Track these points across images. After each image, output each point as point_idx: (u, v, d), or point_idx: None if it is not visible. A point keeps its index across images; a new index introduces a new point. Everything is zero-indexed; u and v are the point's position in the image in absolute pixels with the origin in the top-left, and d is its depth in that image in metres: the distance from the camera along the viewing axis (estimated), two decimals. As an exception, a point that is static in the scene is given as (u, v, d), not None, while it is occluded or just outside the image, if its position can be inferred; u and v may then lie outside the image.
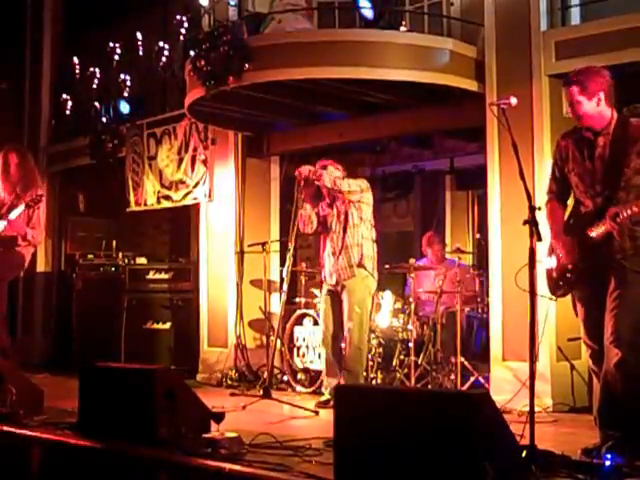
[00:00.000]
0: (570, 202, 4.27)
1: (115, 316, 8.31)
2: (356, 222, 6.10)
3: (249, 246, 7.90)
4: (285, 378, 7.20)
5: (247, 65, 6.30)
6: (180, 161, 8.44)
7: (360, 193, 6.09)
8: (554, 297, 4.35)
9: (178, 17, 8.32)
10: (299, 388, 6.96)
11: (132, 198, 8.91)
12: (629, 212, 3.82)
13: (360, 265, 6.03)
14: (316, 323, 6.85)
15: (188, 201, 8.39)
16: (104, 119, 9.08)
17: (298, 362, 7.12)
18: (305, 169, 6.03)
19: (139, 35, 8.78)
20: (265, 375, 6.66)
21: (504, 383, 5.92)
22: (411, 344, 6.55)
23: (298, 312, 7.24)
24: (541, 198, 4.49)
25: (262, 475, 3.61)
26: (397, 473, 3.20)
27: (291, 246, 6.09)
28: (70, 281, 9.25)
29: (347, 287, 6.02)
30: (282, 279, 6.41)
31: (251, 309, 7.94)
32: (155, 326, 8.31)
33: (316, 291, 7.00)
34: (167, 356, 8.13)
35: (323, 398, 6.01)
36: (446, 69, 6.25)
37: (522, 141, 4.94)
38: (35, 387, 5.55)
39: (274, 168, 8.34)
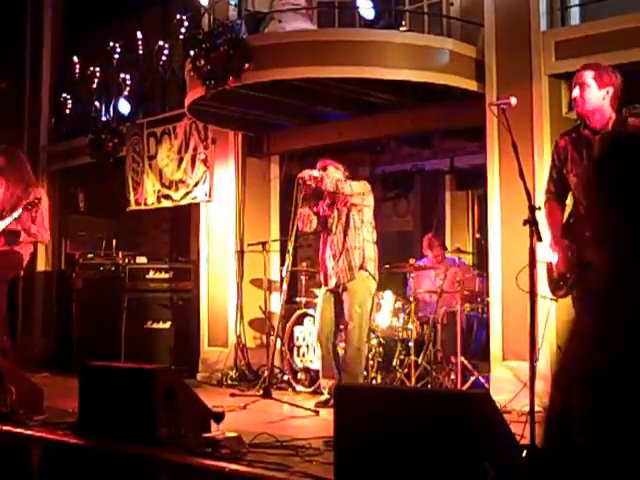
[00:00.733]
0: (569, 202, 4.28)
1: (115, 315, 8.31)
2: (357, 225, 6.10)
3: (249, 246, 7.90)
4: (285, 378, 7.20)
5: (247, 65, 6.30)
6: (180, 160, 8.44)
7: (362, 196, 6.08)
8: (555, 297, 4.35)
9: (178, 16, 8.34)
10: (299, 388, 6.97)
11: (132, 197, 8.91)
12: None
13: (362, 268, 6.03)
14: (317, 322, 6.85)
15: (188, 200, 8.39)
16: (104, 118, 9.09)
17: (298, 362, 7.12)
18: (306, 174, 6.01)
19: (139, 34, 8.79)
20: (265, 375, 6.66)
21: (504, 383, 5.93)
22: (411, 344, 6.55)
23: (298, 312, 7.25)
24: (541, 198, 4.49)
25: (262, 475, 3.62)
26: (397, 472, 3.20)
27: (291, 245, 6.09)
28: (70, 280, 9.25)
29: (348, 288, 6.02)
30: (282, 278, 6.41)
31: (251, 309, 7.94)
32: (155, 325, 8.31)
33: (316, 291, 6.99)
34: (167, 356, 8.13)
35: (322, 398, 6.01)
36: (446, 69, 6.26)
37: (522, 141, 4.95)
38: (35, 387, 5.54)
39: (274, 168, 8.34)
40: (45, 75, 10.46)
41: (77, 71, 9.55)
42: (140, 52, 8.86)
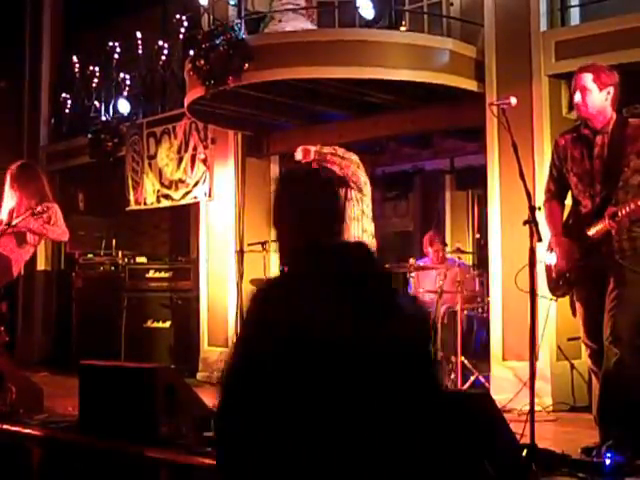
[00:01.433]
0: (568, 202, 4.28)
1: (115, 315, 8.31)
2: (358, 215, 6.06)
3: (249, 245, 7.90)
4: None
5: (247, 65, 6.29)
6: (180, 160, 8.44)
7: (354, 166, 5.90)
8: (554, 297, 4.36)
9: (177, 16, 8.34)
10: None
11: (132, 197, 8.91)
12: (627, 210, 3.82)
13: None
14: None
15: (188, 200, 8.40)
16: (104, 118, 9.09)
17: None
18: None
19: (138, 34, 8.78)
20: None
21: (504, 382, 5.93)
22: (411, 343, 6.54)
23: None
24: (541, 198, 4.49)
25: (263, 474, 3.62)
26: (397, 472, 3.20)
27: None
28: (70, 280, 9.25)
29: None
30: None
31: (251, 308, 7.93)
32: (155, 325, 8.32)
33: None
34: (167, 355, 8.13)
35: None
36: (446, 69, 6.26)
37: (522, 141, 4.94)
38: (35, 386, 5.55)
39: (274, 168, 8.34)
40: (45, 75, 10.46)
41: (77, 71, 9.55)
42: (140, 52, 8.85)
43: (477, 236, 8.91)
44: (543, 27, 6.06)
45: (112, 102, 9.01)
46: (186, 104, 7.13)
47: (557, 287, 4.20)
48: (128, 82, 8.91)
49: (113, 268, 8.63)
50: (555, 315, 5.65)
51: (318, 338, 1.95)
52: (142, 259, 8.67)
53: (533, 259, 3.79)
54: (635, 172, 3.93)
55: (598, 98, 3.98)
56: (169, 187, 8.56)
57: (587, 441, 4.03)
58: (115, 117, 9.01)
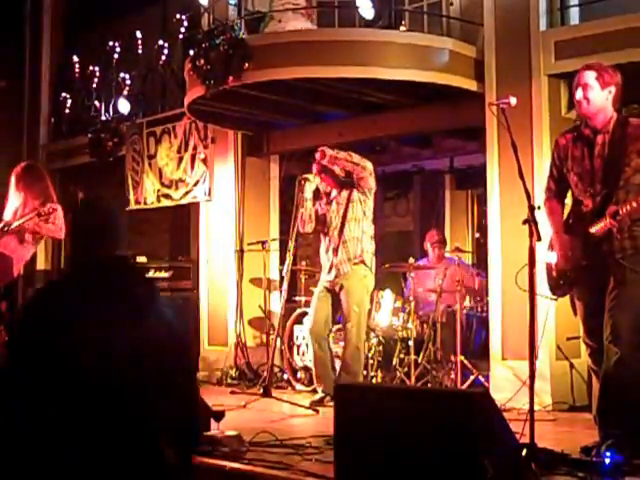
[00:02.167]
0: (568, 201, 4.28)
1: (115, 315, 8.30)
2: (359, 216, 6.08)
3: (249, 245, 7.91)
4: (285, 376, 7.21)
5: (247, 64, 6.30)
6: (180, 160, 8.45)
7: (366, 173, 6.01)
8: (554, 297, 4.36)
9: (178, 16, 8.34)
10: (299, 386, 6.98)
11: (132, 197, 8.92)
12: (628, 208, 3.83)
13: (360, 260, 6.02)
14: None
15: (188, 200, 8.40)
16: (104, 118, 9.09)
17: (298, 360, 7.13)
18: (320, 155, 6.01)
19: (139, 34, 8.79)
20: (265, 374, 6.66)
21: (504, 382, 5.94)
22: (411, 343, 6.55)
23: (298, 311, 7.25)
24: (540, 197, 4.50)
25: (262, 473, 3.63)
26: (397, 471, 3.21)
27: (291, 245, 6.09)
28: (70, 280, 9.23)
29: (345, 287, 6.01)
30: (282, 278, 6.41)
31: (251, 308, 7.95)
32: (155, 325, 8.30)
33: (314, 288, 7.00)
34: (167, 355, 8.12)
35: (316, 397, 6.00)
36: (445, 69, 6.26)
37: (521, 141, 4.96)
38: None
39: (274, 167, 8.35)
40: (45, 74, 10.47)
41: (77, 70, 9.55)
42: (140, 52, 8.86)
43: (477, 235, 8.92)
44: (543, 27, 6.06)
45: (112, 102, 9.02)
46: (186, 104, 7.14)
47: (557, 286, 4.20)
48: (128, 82, 8.92)
49: (113, 268, 8.61)
50: (555, 314, 5.65)
51: (76, 332, 2.33)
52: (142, 259, 8.67)
53: (533, 258, 3.80)
54: (636, 171, 3.93)
55: (599, 96, 3.98)
56: (169, 187, 8.57)
57: (586, 440, 4.04)
58: (115, 117, 9.01)
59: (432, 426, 3.14)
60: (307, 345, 7.04)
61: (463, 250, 7.41)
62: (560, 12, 6.17)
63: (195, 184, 8.28)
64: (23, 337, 2.41)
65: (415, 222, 9.70)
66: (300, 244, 8.63)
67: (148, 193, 8.76)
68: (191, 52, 6.73)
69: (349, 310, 5.96)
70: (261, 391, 5.99)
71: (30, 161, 7.01)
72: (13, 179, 6.33)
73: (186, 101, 7.10)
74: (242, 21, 6.70)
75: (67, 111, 9.72)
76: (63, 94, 9.75)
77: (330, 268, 6.10)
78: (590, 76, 4.00)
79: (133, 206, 8.93)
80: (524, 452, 3.45)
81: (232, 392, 6.46)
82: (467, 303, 6.86)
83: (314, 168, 6.16)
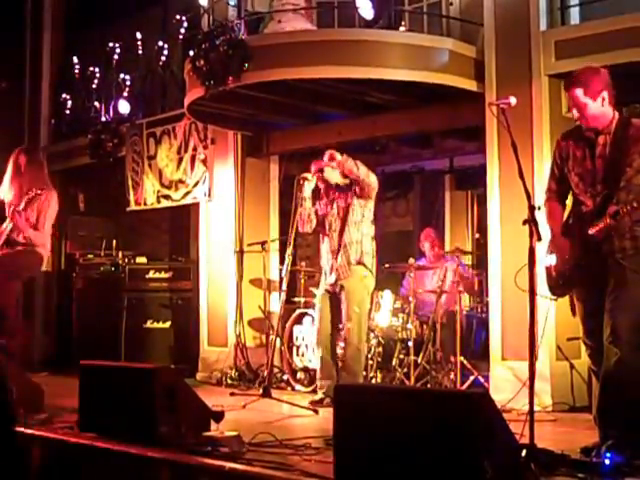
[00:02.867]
0: (569, 202, 4.28)
1: (115, 315, 8.31)
2: (357, 219, 6.09)
3: (249, 245, 7.91)
4: (285, 377, 7.21)
5: (246, 65, 6.30)
6: (180, 161, 8.45)
7: (371, 188, 6.05)
8: (554, 297, 4.36)
9: (178, 17, 8.33)
10: (298, 387, 6.97)
11: (132, 197, 8.92)
12: (629, 208, 3.82)
13: (359, 262, 6.02)
14: (316, 322, 6.85)
15: (188, 200, 8.40)
16: (104, 119, 9.09)
17: (297, 361, 7.13)
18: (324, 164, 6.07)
19: (139, 35, 8.79)
20: (265, 374, 6.66)
21: (504, 382, 5.93)
22: (411, 343, 6.55)
23: (298, 311, 7.25)
24: (541, 198, 4.49)
25: (262, 474, 3.62)
26: (397, 472, 3.21)
27: (290, 245, 6.09)
28: (70, 280, 9.26)
29: (346, 287, 6.01)
30: (281, 278, 6.41)
31: (251, 308, 7.94)
32: (155, 325, 8.32)
33: (315, 290, 7.00)
34: (167, 355, 8.14)
35: (317, 397, 5.99)
36: (445, 69, 6.26)
37: (521, 141, 4.95)
38: (35, 386, 5.55)
39: (273, 168, 8.35)
40: (45, 75, 10.47)
41: (77, 71, 9.55)
42: (140, 52, 8.86)
43: (477, 236, 8.91)
44: (543, 26, 6.05)
45: (112, 102, 9.01)
46: (186, 104, 7.14)
47: (557, 287, 4.20)
48: (128, 82, 8.91)
49: (113, 269, 8.63)
50: (554, 315, 5.65)
51: None
52: (142, 259, 8.68)
53: (533, 259, 3.79)
54: (638, 172, 3.92)
55: (596, 108, 3.98)
56: (169, 187, 8.57)
57: (586, 441, 4.03)
58: (115, 117, 9.01)
59: (432, 427, 3.13)
60: (306, 346, 7.04)
61: (463, 250, 7.40)
62: (560, 12, 6.17)
63: (195, 185, 8.28)
64: None
65: (415, 222, 9.69)
66: (300, 244, 8.63)
67: (148, 194, 8.76)
68: (191, 53, 6.73)
69: (349, 311, 5.96)
70: (260, 392, 5.98)
71: (30, 145, 6.89)
72: (11, 163, 6.25)
73: (186, 102, 7.11)
74: (242, 22, 6.70)
75: (67, 112, 9.71)
76: (63, 95, 9.74)
77: (331, 271, 6.10)
78: (580, 95, 3.97)
79: (133, 207, 8.94)
80: (524, 453, 3.44)
81: (232, 394, 6.45)
82: (466, 303, 6.86)
83: (313, 168, 6.16)
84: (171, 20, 8.54)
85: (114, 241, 9.29)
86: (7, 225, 6.12)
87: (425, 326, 6.78)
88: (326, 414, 5.26)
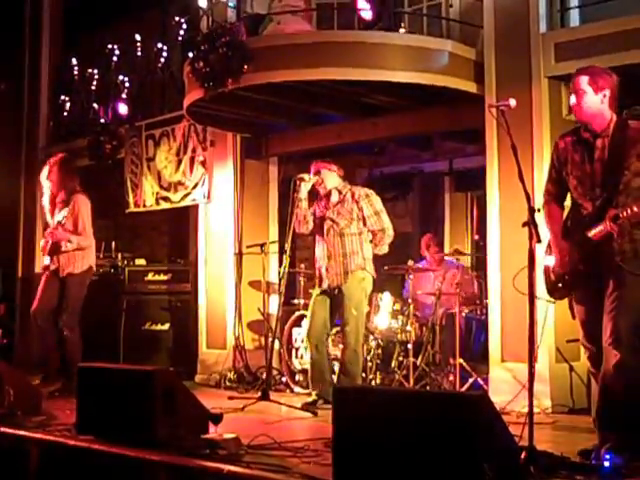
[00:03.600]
0: (567, 204, 4.27)
1: (114, 317, 8.30)
2: (354, 231, 6.07)
3: (248, 247, 7.90)
4: (283, 379, 7.20)
5: (246, 66, 6.29)
6: (179, 162, 8.44)
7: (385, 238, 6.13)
8: (552, 300, 4.35)
9: (177, 19, 8.35)
10: (297, 389, 6.96)
11: (131, 199, 8.91)
12: (629, 212, 3.81)
13: (362, 268, 6.00)
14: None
15: (187, 202, 8.39)
16: (102, 120, 9.08)
17: (296, 363, 7.12)
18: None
19: (138, 36, 8.79)
20: (263, 376, 6.65)
21: (503, 384, 5.92)
22: (410, 345, 6.54)
23: (297, 313, 7.24)
24: (540, 200, 4.48)
25: (261, 476, 3.61)
26: (396, 474, 3.20)
27: (287, 246, 6.08)
28: (68, 282, 9.22)
29: (343, 290, 6.00)
30: (280, 279, 6.40)
31: (250, 310, 7.93)
32: (154, 327, 8.31)
33: (312, 291, 6.98)
34: (166, 357, 8.13)
35: (310, 399, 5.97)
36: (445, 71, 6.25)
37: (521, 143, 4.94)
38: (33, 388, 5.54)
39: (273, 170, 8.34)
40: (44, 77, 10.45)
41: (76, 73, 9.55)
42: (139, 54, 8.86)
43: (476, 238, 8.91)
44: (543, 29, 6.05)
45: (111, 104, 9.01)
46: (185, 106, 7.13)
47: (555, 290, 4.19)
48: (127, 84, 8.91)
49: (112, 270, 8.61)
50: (554, 317, 5.65)
51: None
52: (141, 261, 8.66)
53: (532, 261, 3.78)
54: (636, 175, 3.92)
55: (593, 101, 3.97)
56: (168, 189, 8.56)
57: (586, 443, 4.02)
58: (114, 119, 9.00)
59: (431, 429, 3.13)
60: (305, 348, 7.02)
61: (462, 252, 7.40)
62: (560, 14, 6.16)
63: (194, 187, 8.27)
64: None
65: (414, 224, 9.69)
66: (299, 246, 8.63)
67: (147, 196, 8.75)
68: (190, 54, 6.73)
69: (348, 313, 5.95)
70: (259, 394, 5.97)
71: (65, 154, 7.42)
72: (46, 170, 6.86)
73: (185, 104, 7.10)
74: (241, 23, 6.69)
75: (66, 114, 9.71)
76: (62, 96, 9.74)
77: (325, 277, 6.06)
78: (583, 81, 3.99)
79: (132, 209, 8.92)
80: (523, 455, 3.44)
81: (230, 397, 6.42)
82: (466, 305, 6.85)
83: (312, 168, 6.16)
84: (170, 22, 8.55)
85: (113, 243, 9.27)
86: (48, 238, 6.75)
87: (424, 328, 6.77)
88: (325, 416, 5.25)
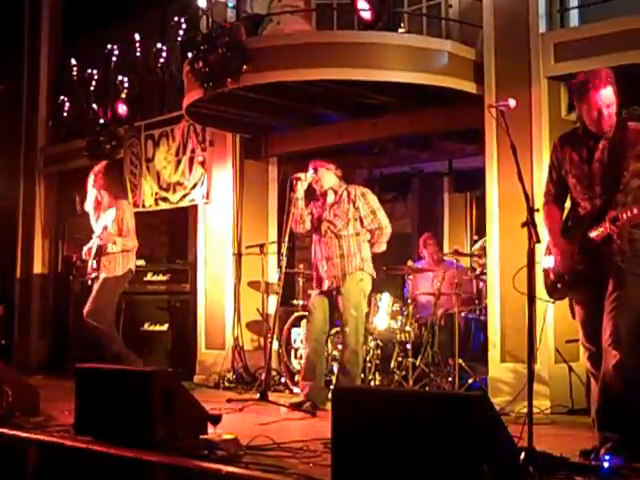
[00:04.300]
0: (567, 204, 4.27)
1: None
2: (351, 233, 6.06)
3: (247, 248, 7.89)
4: (282, 380, 7.19)
5: (245, 67, 6.29)
6: (178, 163, 8.43)
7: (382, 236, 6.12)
8: (552, 300, 4.34)
9: (176, 19, 8.34)
10: (296, 390, 6.94)
11: (130, 200, 8.89)
12: (629, 214, 3.81)
13: (360, 269, 5.99)
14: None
15: (186, 203, 8.39)
16: (102, 121, 9.08)
17: (295, 364, 7.11)
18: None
19: (137, 37, 8.78)
20: (262, 377, 6.64)
21: (502, 385, 5.92)
22: (409, 346, 6.54)
23: (296, 314, 7.23)
24: (540, 200, 4.48)
25: (259, 477, 3.60)
26: (395, 474, 3.19)
27: (284, 246, 6.07)
28: (67, 283, 9.23)
29: (342, 291, 5.97)
30: (278, 278, 6.38)
31: (249, 311, 7.92)
32: (153, 328, 8.30)
33: (311, 292, 6.97)
34: (164, 358, 8.11)
35: (297, 399, 5.95)
36: (444, 71, 6.25)
37: (521, 143, 4.93)
38: (31, 389, 5.53)
39: (272, 170, 8.34)
40: (43, 77, 10.45)
41: (75, 73, 9.54)
42: (138, 54, 8.85)
43: (475, 238, 8.90)
44: (542, 29, 6.05)
45: (110, 104, 9.00)
46: (184, 106, 7.13)
47: (555, 290, 4.19)
48: (126, 84, 8.90)
49: (111, 270, 8.58)
50: (553, 317, 5.65)
51: None
52: (140, 262, 8.63)
53: (531, 261, 3.78)
54: (634, 175, 3.92)
55: (615, 108, 3.97)
56: (167, 190, 8.55)
57: (585, 444, 4.02)
58: (113, 120, 8.99)
59: (430, 429, 3.12)
60: (305, 348, 7.01)
61: (461, 253, 7.39)
62: (559, 14, 6.16)
63: (193, 187, 8.27)
64: None
65: (413, 224, 9.69)
66: (298, 247, 8.62)
67: (146, 196, 8.74)
68: (189, 55, 6.73)
69: (346, 314, 5.93)
70: (258, 395, 5.96)
71: (108, 162, 7.71)
72: (93, 178, 7.17)
73: (184, 104, 7.09)
74: (241, 23, 6.69)
75: (65, 114, 9.70)
76: (61, 97, 9.73)
77: (324, 279, 6.05)
78: (611, 93, 3.91)
79: (131, 209, 8.91)
80: (522, 456, 3.43)
81: (228, 400, 6.38)
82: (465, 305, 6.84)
83: (310, 167, 6.15)
84: (170, 22, 8.54)
85: (112, 243, 9.25)
86: (94, 241, 7.07)
87: (424, 328, 6.76)
88: (324, 417, 5.25)
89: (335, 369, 6.34)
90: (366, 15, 6.43)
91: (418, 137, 7.95)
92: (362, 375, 6.24)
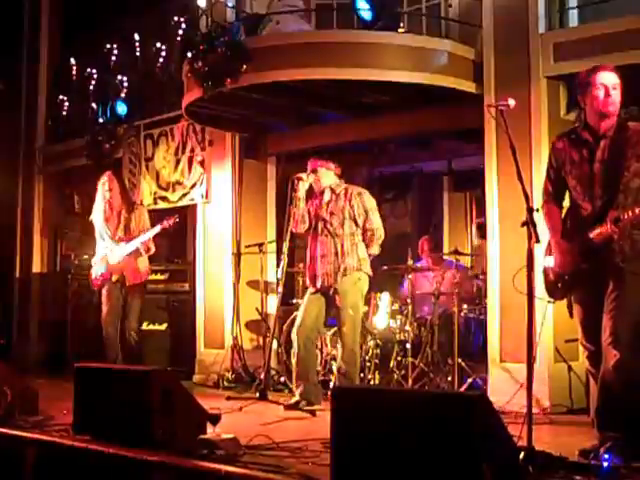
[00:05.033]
0: (565, 204, 4.26)
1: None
2: (347, 232, 6.05)
3: (246, 247, 7.89)
4: (282, 379, 7.18)
5: (245, 66, 6.29)
6: (177, 162, 8.43)
7: (375, 238, 6.11)
8: (551, 299, 4.34)
9: (176, 18, 8.34)
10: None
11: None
12: (630, 215, 3.81)
13: (358, 269, 5.97)
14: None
15: (185, 202, 8.39)
16: (101, 120, 9.07)
17: (295, 363, 7.08)
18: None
19: (136, 36, 8.78)
20: (262, 376, 6.63)
21: (502, 384, 5.91)
22: (408, 345, 6.53)
23: (295, 313, 7.22)
24: (539, 199, 4.48)
25: (258, 477, 3.60)
26: (394, 474, 3.19)
27: (285, 245, 6.07)
28: (66, 282, 9.22)
29: (339, 290, 5.95)
30: (278, 279, 6.38)
31: (248, 310, 7.92)
32: (151, 327, 8.29)
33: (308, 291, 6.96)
34: (163, 357, 8.11)
35: (292, 400, 5.94)
36: (444, 70, 6.25)
37: (520, 143, 4.92)
38: (30, 388, 5.53)
39: (271, 169, 8.34)
40: (42, 76, 10.45)
41: (74, 72, 9.54)
42: (137, 54, 8.85)
43: (477, 221, 8.91)
44: (542, 29, 6.05)
45: (109, 104, 9.00)
46: (184, 106, 7.12)
47: (555, 290, 4.19)
48: (126, 84, 8.90)
49: (110, 270, 8.58)
50: (552, 317, 5.64)
51: None
52: (139, 261, 8.63)
53: (531, 261, 3.78)
54: (635, 176, 3.92)
55: (619, 97, 3.98)
56: (166, 189, 8.55)
57: (585, 443, 4.02)
58: (112, 119, 8.99)
59: (429, 429, 3.12)
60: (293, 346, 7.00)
61: (461, 252, 7.39)
62: (559, 14, 6.16)
63: (192, 186, 8.27)
64: None
65: (413, 224, 9.69)
66: (298, 246, 8.61)
67: (145, 195, 8.74)
68: (189, 54, 6.72)
69: (344, 313, 5.92)
70: (257, 394, 5.95)
71: (114, 169, 7.75)
72: (106, 184, 7.15)
73: (184, 103, 7.09)
74: (240, 23, 6.68)
75: (64, 113, 9.70)
76: (60, 96, 9.73)
77: (317, 277, 6.04)
78: (616, 77, 3.98)
79: (130, 208, 8.90)
80: (522, 455, 3.44)
81: (228, 398, 6.39)
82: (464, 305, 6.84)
83: (309, 165, 6.15)
84: (169, 21, 8.53)
85: (111, 242, 9.25)
86: (119, 249, 7.12)
87: (423, 328, 6.76)
88: (323, 416, 5.24)
89: (334, 369, 6.33)
90: (366, 15, 6.43)
91: (418, 137, 7.94)
92: (361, 374, 6.24)
